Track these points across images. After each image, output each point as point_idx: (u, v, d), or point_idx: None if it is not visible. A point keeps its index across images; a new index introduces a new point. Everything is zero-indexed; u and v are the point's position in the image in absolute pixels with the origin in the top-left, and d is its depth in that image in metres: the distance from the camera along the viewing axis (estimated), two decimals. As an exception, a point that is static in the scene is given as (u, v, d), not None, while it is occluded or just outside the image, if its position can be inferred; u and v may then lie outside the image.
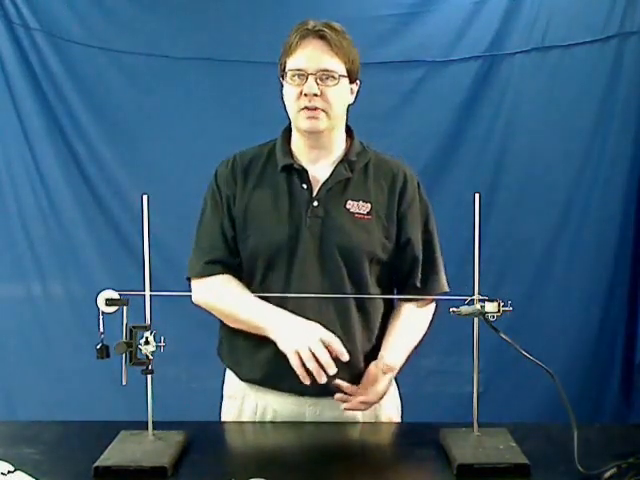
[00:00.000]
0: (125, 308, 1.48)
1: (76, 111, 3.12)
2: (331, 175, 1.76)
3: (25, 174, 3.14)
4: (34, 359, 3.18)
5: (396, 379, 1.89)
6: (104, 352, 1.47)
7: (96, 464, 1.43)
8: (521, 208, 3.17)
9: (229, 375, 1.89)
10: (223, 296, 1.77)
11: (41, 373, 3.17)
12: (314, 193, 1.75)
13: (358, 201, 1.75)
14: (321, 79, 1.68)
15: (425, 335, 1.86)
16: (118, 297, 1.48)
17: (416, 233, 1.80)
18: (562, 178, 3.16)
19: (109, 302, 1.47)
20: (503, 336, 1.46)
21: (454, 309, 1.48)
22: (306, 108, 1.69)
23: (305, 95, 1.68)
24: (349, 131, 1.84)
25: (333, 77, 1.68)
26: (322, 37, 1.68)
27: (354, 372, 1.75)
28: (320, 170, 1.77)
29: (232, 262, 1.78)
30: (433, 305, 1.89)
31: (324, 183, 1.75)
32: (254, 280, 1.76)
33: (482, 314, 1.46)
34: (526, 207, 3.16)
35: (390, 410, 1.87)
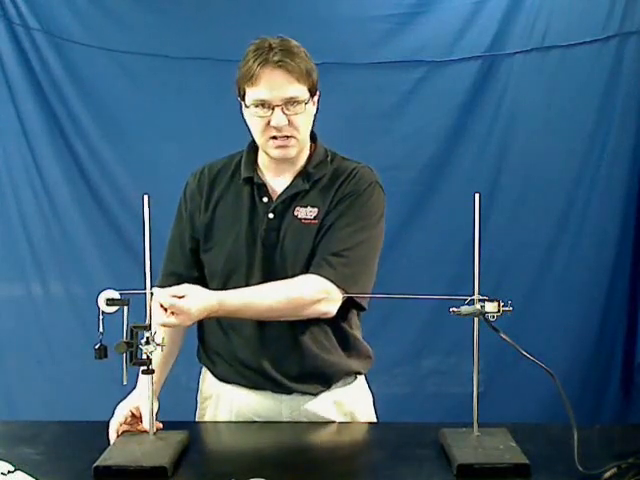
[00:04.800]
0: (126, 308, 1.48)
1: (76, 111, 3.12)
2: (288, 187, 1.74)
3: (25, 174, 3.14)
4: (34, 359, 3.18)
5: (367, 382, 1.89)
6: (102, 352, 1.47)
7: (96, 464, 1.43)
8: (521, 208, 3.16)
9: (204, 376, 1.89)
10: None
11: (41, 373, 3.17)
12: (271, 206, 1.74)
13: (306, 207, 1.73)
14: (287, 108, 1.64)
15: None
16: (119, 297, 1.48)
17: (340, 223, 1.70)
18: (562, 178, 3.15)
19: (110, 302, 1.47)
20: (503, 336, 1.46)
21: (454, 309, 1.48)
22: (274, 137, 1.67)
23: (273, 126, 1.65)
24: (313, 136, 1.79)
25: (299, 103, 1.64)
26: (282, 66, 1.62)
27: (323, 370, 1.77)
28: (281, 182, 1.76)
29: (189, 274, 1.80)
30: (308, 283, 1.66)
31: (280, 195, 1.74)
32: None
33: (482, 314, 1.46)
34: (526, 207, 3.16)
35: (365, 410, 1.87)
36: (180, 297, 1.50)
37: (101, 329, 1.47)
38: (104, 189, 3.16)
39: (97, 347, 1.47)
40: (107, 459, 1.45)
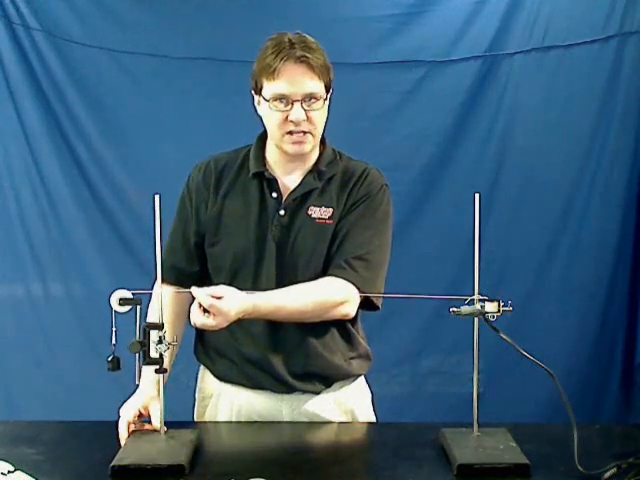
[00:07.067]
0: (138, 307, 1.47)
1: (76, 111, 3.12)
2: (299, 184, 1.75)
3: (25, 174, 3.14)
4: (34, 359, 3.17)
5: (368, 381, 1.89)
6: (115, 364, 1.46)
7: (113, 463, 1.43)
8: (521, 208, 3.16)
9: (203, 375, 1.89)
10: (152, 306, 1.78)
11: (41, 373, 3.17)
12: (282, 202, 1.74)
13: (320, 207, 1.73)
14: (306, 103, 1.64)
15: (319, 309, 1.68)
16: (131, 297, 1.47)
17: (358, 227, 1.73)
18: (562, 178, 3.16)
19: (123, 302, 1.46)
20: (503, 336, 1.46)
21: (454, 309, 1.48)
22: (291, 132, 1.67)
23: (291, 121, 1.65)
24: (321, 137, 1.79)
25: (317, 99, 1.65)
26: (304, 61, 1.63)
27: (325, 371, 1.77)
28: (292, 179, 1.76)
29: (190, 269, 1.79)
30: (335, 286, 1.68)
31: (292, 192, 1.74)
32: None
33: (482, 314, 1.46)
34: (526, 207, 3.16)
35: (365, 408, 1.87)
36: (218, 298, 1.50)
37: (114, 340, 1.46)
38: (104, 189, 3.16)
39: (110, 359, 1.46)
40: (123, 458, 1.45)
